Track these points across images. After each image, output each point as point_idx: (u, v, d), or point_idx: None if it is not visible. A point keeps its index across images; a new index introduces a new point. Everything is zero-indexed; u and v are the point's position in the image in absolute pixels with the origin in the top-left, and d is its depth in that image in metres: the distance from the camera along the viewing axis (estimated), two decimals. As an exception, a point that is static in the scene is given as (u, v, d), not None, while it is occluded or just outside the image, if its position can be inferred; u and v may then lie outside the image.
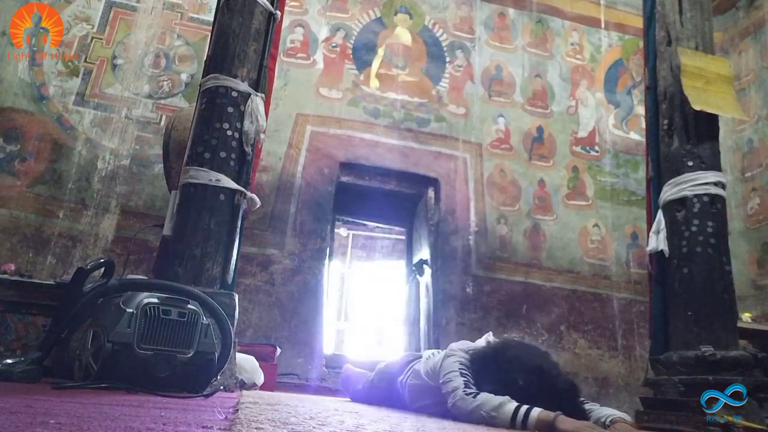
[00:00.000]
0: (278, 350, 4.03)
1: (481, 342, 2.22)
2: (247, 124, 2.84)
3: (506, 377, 1.87)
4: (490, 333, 2.36)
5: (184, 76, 5.19)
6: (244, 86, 2.88)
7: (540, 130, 5.87)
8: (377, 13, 5.84)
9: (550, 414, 1.68)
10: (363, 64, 5.62)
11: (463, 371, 1.99)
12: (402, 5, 5.92)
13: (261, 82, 3.02)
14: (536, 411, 1.70)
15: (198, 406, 1.49)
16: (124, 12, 5.23)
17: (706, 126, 3.13)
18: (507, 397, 1.78)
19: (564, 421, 1.66)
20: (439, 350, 2.32)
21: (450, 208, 5.39)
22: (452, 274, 5.18)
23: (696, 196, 3.00)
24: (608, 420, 1.89)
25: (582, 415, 1.86)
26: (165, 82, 5.13)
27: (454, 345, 2.19)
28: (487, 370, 1.97)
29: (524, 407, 1.72)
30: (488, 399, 1.81)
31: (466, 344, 2.20)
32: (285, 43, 5.39)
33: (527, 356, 1.94)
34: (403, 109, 5.58)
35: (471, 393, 1.87)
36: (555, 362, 1.95)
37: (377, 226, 8.42)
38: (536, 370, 1.86)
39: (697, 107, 3.06)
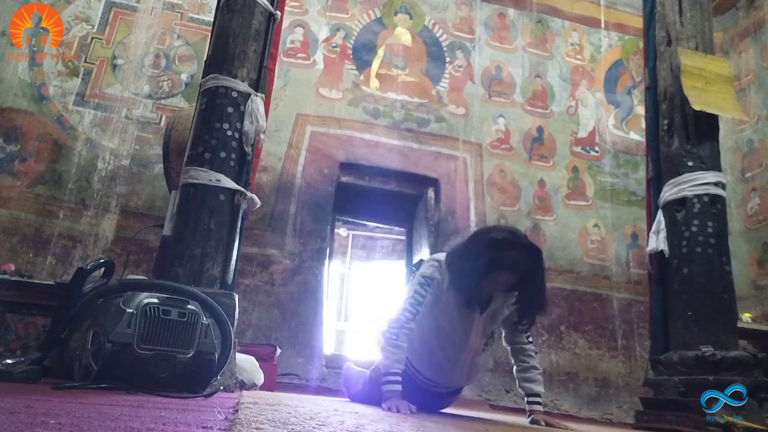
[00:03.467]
0: (278, 350, 4.02)
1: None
2: (247, 124, 2.84)
3: (479, 251, 1.97)
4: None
5: (184, 77, 5.19)
6: (244, 86, 2.88)
7: (540, 130, 5.87)
8: (377, 13, 5.84)
9: (398, 389, 2.01)
10: (363, 65, 5.62)
11: (422, 287, 2.10)
12: (402, 5, 5.92)
13: (261, 83, 3.03)
14: (393, 386, 2.01)
15: (198, 407, 1.49)
16: (124, 12, 5.23)
17: (706, 126, 3.14)
18: (398, 361, 2.05)
19: (392, 392, 1.99)
20: None
21: (450, 209, 5.39)
22: (452, 275, 5.17)
23: (696, 196, 3.00)
24: (528, 398, 2.17)
25: (537, 307, 2.08)
26: (165, 83, 5.14)
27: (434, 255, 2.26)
28: (460, 257, 2.05)
29: (391, 377, 2.03)
30: (389, 353, 2.06)
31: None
32: (285, 44, 5.39)
33: (497, 230, 2.07)
34: (403, 109, 5.58)
35: (388, 335, 2.07)
36: (529, 241, 2.05)
37: (377, 227, 8.42)
38: (509, 234, 2.01)
39: (697, 107, 3.06)
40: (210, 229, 2.65)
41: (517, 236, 2.01)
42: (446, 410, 2.64)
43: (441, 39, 5.91)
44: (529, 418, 2.17)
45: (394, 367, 2.06)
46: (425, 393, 2.21)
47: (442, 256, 2.16)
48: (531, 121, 5.88)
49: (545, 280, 2.06)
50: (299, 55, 5.48)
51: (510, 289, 2.04)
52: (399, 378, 2.05)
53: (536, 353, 2.26)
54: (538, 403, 2.17)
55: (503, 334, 2.27)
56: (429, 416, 2.07)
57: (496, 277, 1.98)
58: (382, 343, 2.09)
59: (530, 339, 2.23)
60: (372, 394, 2.37)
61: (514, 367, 2.24)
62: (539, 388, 2.18)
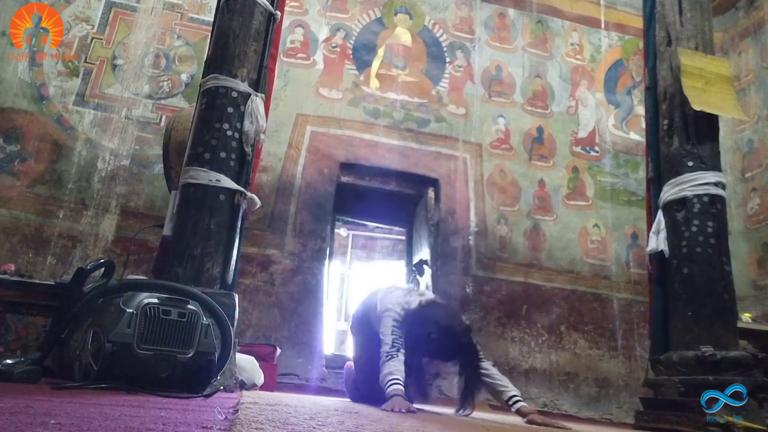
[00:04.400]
0: (278, 350, 4.02)
1: (415, 299, 2.60)
2: (247, 124, 2.84)
3: (424, 331, 2.39)
4: (427, 291, 2.84)
5: (184, 77, 5.19)
6: (244, 86, 2.88)
7: (540, 130, 5.87)
8: (377, 13, 5.84)
9: (400, 389, 2.24)
10: (363, 65, 5.62)
11: (395, 328, 2.46)
12: (402, 5, 5.92)
13: (261, 83, 3.03)
14: (396, 385, 2.25)
15: (198, 407, 1.49)
16: (124, 12, 5.23)
17: (706, 126, 3.14)
18: (397, 370, 2.30)
19: (395, 393, 2.22)
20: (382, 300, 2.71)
21: (450, 209, 5.39)
22: (452, 275, 5.18)
23: (696, 196, 3.00)
24: (511, 401, 2.41)
25: (476, 374, 2.42)
26: (165, 83, 5.13)
27: (392, 300, 2.59)
28: (413, 324, 2.45)
29: (394, 383, 2.25)
30: (388, 366, 2.33)
31: (401, 298, 2.59)
32: (285, 44, 5.39)
33: (443, 317, 2.46)
34: (403, 109, 5.58)
35: (388, 356, 2.37)
36: (465, 326, 2.50)
37: (377, 227, 8.42)
38: (447, 328, 2.39)
39: (697, 107, 3.06)
40: (210, 229, 2.65)
41: (457, 334, 2.41)
42: (446, 410, 2.67)
43: (441, 39, 5.91)
44: (525, 419, 2.36)
45: (395, 373, 2.32)
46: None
47: (397, 311, 2.51)
48: (531, 121, 5.88)
49: (479, 359, 2.49)
50: (299, 55, 5.48)
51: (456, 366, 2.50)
52: (401, 380, 2.29)
53: (493, 366, 2.60)
54: (520, 400, 2.43)
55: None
56: (429, 416, 2.08)
57: (435, 362, 2.54)
58: (384, 359, 2.38)
59: (484, 359, 2.57)
60: (374, 388, 2.48)
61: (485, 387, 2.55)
62: (515, 390, 2.47)
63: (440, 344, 2.38)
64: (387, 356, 2.38)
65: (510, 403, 2.42)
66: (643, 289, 4.66)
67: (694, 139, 3.11)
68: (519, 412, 2.39)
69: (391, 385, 2.28)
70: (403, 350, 2.39)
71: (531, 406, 2.45)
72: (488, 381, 2.49)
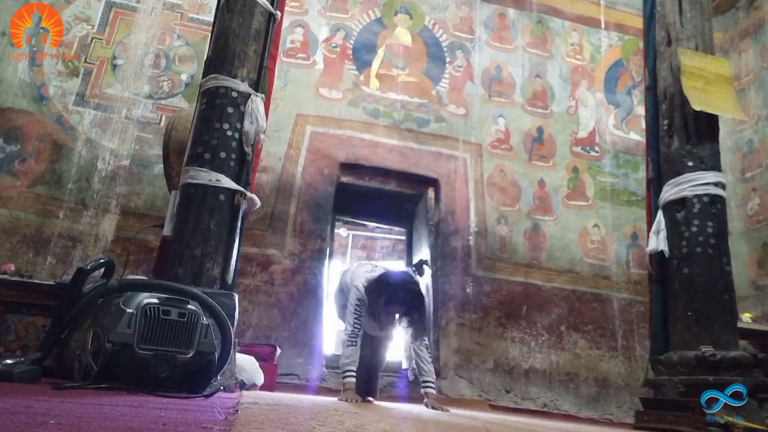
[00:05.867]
0: (278, 351, 4.02)
1: (379, 270, 3.15)
2: (247, 124, 2.84)
3: (383, 285, 2.96)
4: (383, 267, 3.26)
5: (184, 77, 5.19)
6: (244, 86, 2.88)
7: (540, 130, 5.87)
8: (377, 13, 5.84)
9: (353, 382, 2.90)
10: (363, 65, 5.62)
11: (357, 308, 3.00)
12: (402, 5, 5.92)
13: (261, 83, 3.03)
14: (350, 378, 2.89)
15: (198, 407, 1.49)
16: (124, 12, 5.23)
17: (706, 126, 3.14)
18: (352, 361, 2.92)
19: (348, 387, 2.88)
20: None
21: (450, 209, 5.39)
22: (452, 275, 5.17)
23: (696, 196, 3.00)
24: (423, 384, 3.03)
25: (422, 318, 3.01)
26: (165, 83, 5.13)
27: (359, 273, 3.15)
28: (377, 283, 3.00)
29: (348, 375, 2.89)
30: (346, 354, 2.95)
31: (369, 273, 3.11)
32: (285, 44, 5.38)
33: (396, 274, 3.10)
34: (403, 109, 5.58)
35: (347, 343, 2.96)
36: (414, 280, 3.08)
37: (377, 227, 8.41)
38: (400, 281, 3.01)
39: (697, 107, 3.06)
40: (210, 229, 2.65)
41: (406, 283, 3.02)
42: (446, 410, 2.69)
43: (441, 39, 5.91)
44: (426, 403, 2.99)
45: (350, 365, 2.92)
46: (369, 337, 3.23)
47: (359, 283, 3.06)
48: (531, 121, 5.88)
49: (426, 312, 3.09)
50: (299, 55, 5.48)
51: (402, 316, 3.00)
52: (354, 372, 2.93)
53: (429, 351, 3.12)
54: (431, 387, 3.01)
55: (408, 338, 3.16)
56: (429, 416, 2.08)
57: (391, 309, 2.97)
58: (344, 349, 2.97)
59: (426, 341, 3.11)
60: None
61: (412, 362, 3.13)
62: (429, 377, 3.01)
63: (396, 291, 2.95)
64: (346, 343, 2.97)
65: (421, 385, 3.04)
66: (643, 289, 4.66)
67: (694, 139, 3.11)
68: (426, 395, 3.01)
69: (347, 377, 2.91)
70: (360, 338, 2.98)
71: (433, 395, 3.04)
72: (416, 359, 3.04)
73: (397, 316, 3.02)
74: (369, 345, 3.24)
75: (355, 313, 3.00)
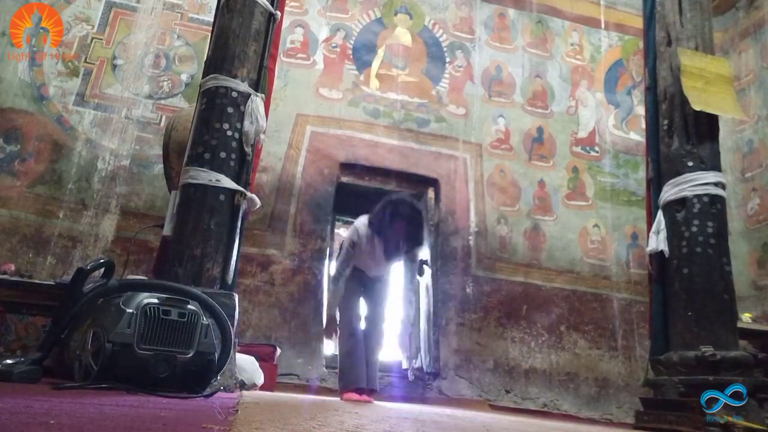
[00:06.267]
0: (278, 351, 4.02)
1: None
2: (247, 124, 2.84)
3: (386, 209, 3.27)
4: None
5: (184, 77, 5.19)
6: (244, 87, 2.88)
7: (540, 130, 5.87)
8: (377, 13, 5.84)
9: (333, 317, 3.32)
10: (363, 65, 5.62)
11: (349, 249, 3.31)
12: (402, 5, 5.92)
13: (261, 83, 3.03)
14: (330, 316, 3.32)
15: (198, 407, 1.49)
16: (124, 12, 5.23)
17: (706, 126, 3.14)
18: (335, 297, 3.29)
19: (328, 322, 3.37)
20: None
21: (450, 209, 5.39)
22: (452, 275, 5.17)
23: (696, 196, 3.00)
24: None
25: (420, 239, 3.37)
26: (165, 83, 5.13)
27: (361, 219, 3.43)
28: (379, 214, 3.30)
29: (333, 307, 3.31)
30: (331, 289, 3.33)
31: (366, 216, 3.41)
32: (285, 44, 5.38)
33: (395, 197, 3.41)
34: (403, 109, 5.58)
35: (334, 279, 3.29)
36: (413, 202, 3.38)
37: (377, 227, 8.40)
38: (398, 200, 3.33)
39: (697, 107, 3.06)
40: (210, 230, 2.65)
41: (405, 201, 3.34)
42: (446, 410, 2.67)
43: (441, 39, 5.91)
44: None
45: (335, 302, 3.26)
46: (365, 278, 3.45)
47: (360, 221, 3.38)
48: (531, 121, 5.88)
49: (423, 227, 3.36)
50: (299, 55, 5.48)
51: (405, 235, 3.27)
52: (335, 308, 3.31)
53: (428, 265, 3.65)
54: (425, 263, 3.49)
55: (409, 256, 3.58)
56: (429, 416, 2.08)
57: (397, 224, 3.23)
58: (330, 285, 3.37)
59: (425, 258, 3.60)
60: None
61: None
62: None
63: (399, 205, 3.27)
64: (333, 279, 3.30)
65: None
66: (643, 289, 4.66)
67: (694, 139, 3.11)
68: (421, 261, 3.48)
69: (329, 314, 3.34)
70: (348, 267, 3.30)
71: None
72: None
73: (400, 231, 3.27)
74: (368, 304, 3.46)
75: (347, 255, 3.29)
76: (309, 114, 5.31)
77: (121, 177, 4.75)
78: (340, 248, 3.55)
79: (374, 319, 3.46)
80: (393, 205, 3.28)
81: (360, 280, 3.45)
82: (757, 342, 4.00)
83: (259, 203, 2.91)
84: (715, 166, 3.10)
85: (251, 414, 1.32)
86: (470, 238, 5.33)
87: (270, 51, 3.14)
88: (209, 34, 3.29)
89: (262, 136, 2.96)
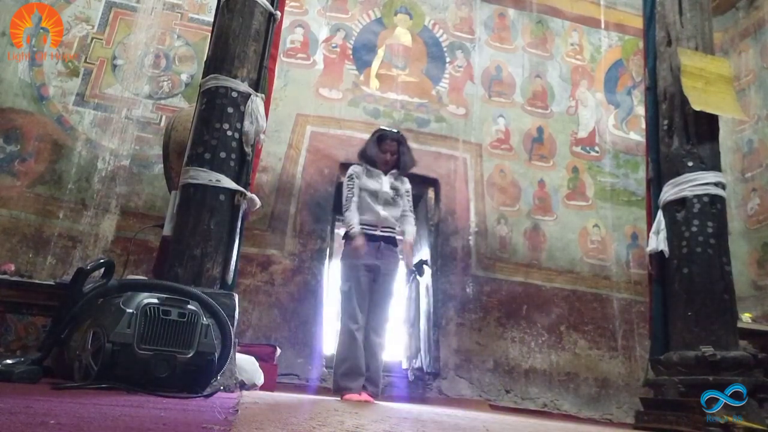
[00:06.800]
0: (278, 351, 4.02)
1: None
2: (247, 124, 2.84)
3: (373, 136, 3.52)
4: None
5: (184, 77, 5.19)
6: (244, 87, 2.88)
7: (540, 130, 5.87)
8: (377, 13, 5.84)
9: (357, 230, 3.23)
10: (363, 65, 5.62)
11: (349, 182, 3.38)
12: (402, 5, 5.92)
13: (261, 83, 3.03)
14: (354, 230, 3.22)
15: (198, 407, 1.49)
16: (124, 12, 5.23)
17: (706, 126, 3.13)
18: (351, 219, 3.26)
19: (355, 234, 3.23)
20: None
21: (450, 209, 5.39)
22: (452, 275, 5.17)
23: (696, 196, 3.00)
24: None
25: (410, 159, 3.51)
26: (165, 83, 5.13)
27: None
28: (367, 144, 3.50)
29: (353, 228, 3.23)
30: (346, 216, 3.30)
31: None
32: (285, 44, 5.38)
33: (379, 128, 3.64)
34: (403, 109, 5.58)
35: (345, 207, 3.33)
36: (397, 130, 3.66)
37: (377, 227, 8.40)
38: (385, 128, 3.60)
39: (697, 108, 3.06)
40: (210, 230, 2.65)
41: (386, 128, 3.62)
42: (446, 410, 2.67)
43: (441, 39, 5.91)
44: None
45: (354, 223, 3.25)
46: (370, 237, 3.31)
47: (354, 166, 3.48)
48: (531, 121, 5.88)
49: (410, 150, 3.54)
50: (299, 55, 5.48)
51: (393, 155, 3.43)
52: (358, 227, 3.25)
53: (414, 217, 3.59)
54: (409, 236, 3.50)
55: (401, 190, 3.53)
56: (429, 416, 2.08)
57: (384, 146, 3.41)
58: (345, 215, 3.32)
59: (412, 210, 3.57)
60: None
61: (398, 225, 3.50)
62: (410, 230, 3.52)
63: (384, 130, 3.53)
64: (345, 208, 3.34)
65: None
66: (643, 289, 4.66)
67: (694, 139, 3.11)
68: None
69: (352, 229, 3.24)
70: (355, 200, 3.32)
71: (410, 243, 3.57)
72: (401, 220, 3.51)
73: (389, 155, 3.42)
74: (370, 293, 3.31)
75: (349, 190, 3.37)
76: (309, 114, 5.31)
77: (121, 177, 4.75)
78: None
79: (377, 318, 3.26)
80: (376, 132, 3.55)
81: (365, 275, 3.25)
82: (757, 342, 4.00)
83: (259, 203, 2.91)
84: (715, 166, 3.10)
85: (251, 414, 1.32)
86: (470, 238, 5.33)
87: (270, 51, 3.14)
88: (209, 34, 3.29)
89: (262, 136, 2.96)
